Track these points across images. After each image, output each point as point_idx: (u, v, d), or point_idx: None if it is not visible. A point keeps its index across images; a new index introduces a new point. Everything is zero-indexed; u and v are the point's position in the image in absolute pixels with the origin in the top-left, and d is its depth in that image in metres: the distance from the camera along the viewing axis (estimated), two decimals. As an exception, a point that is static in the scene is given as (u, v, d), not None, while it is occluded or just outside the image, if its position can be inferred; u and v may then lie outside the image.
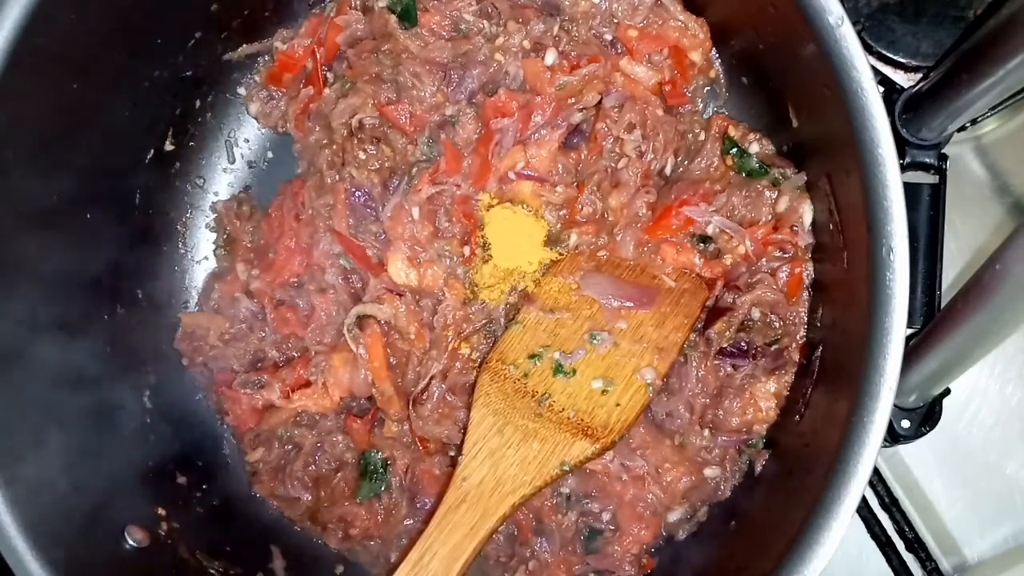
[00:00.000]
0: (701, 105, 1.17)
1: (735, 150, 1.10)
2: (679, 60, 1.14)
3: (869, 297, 0.86)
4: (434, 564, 0.96)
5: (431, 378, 1.12)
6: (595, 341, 1.09)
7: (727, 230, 1.09)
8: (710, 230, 1.10)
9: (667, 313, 1.10)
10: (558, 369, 1.08)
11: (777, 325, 1.08)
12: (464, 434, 1.07)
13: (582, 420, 1.04)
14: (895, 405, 0.87)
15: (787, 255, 1.07)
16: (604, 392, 1.06)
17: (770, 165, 1.08)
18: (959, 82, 1.04)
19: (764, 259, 1.08)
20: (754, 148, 1.10)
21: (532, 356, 1.09)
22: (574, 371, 1.08)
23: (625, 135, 1.13)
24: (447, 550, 0.97)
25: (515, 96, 1.12)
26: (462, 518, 0.99)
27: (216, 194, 1.28)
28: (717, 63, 1.17)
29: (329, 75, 1.18)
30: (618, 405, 1.05)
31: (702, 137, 1.14)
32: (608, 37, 1.16)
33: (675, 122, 1.15)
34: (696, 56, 1.14)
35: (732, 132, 1.11)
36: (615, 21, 1.15)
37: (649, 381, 1.06)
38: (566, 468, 1.02)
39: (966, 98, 1.04)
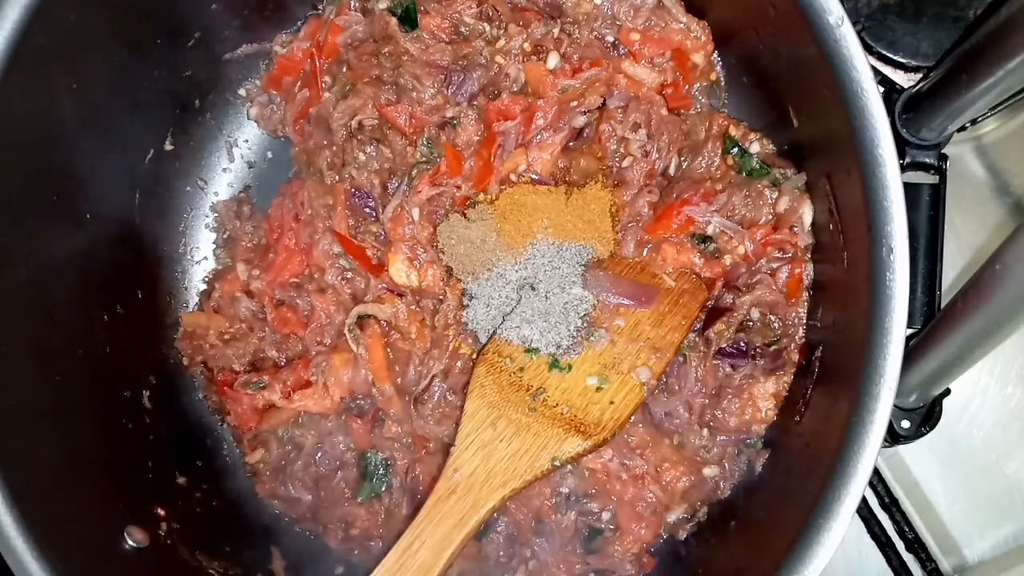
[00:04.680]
0: (702, 106, 1.17)
1: (736, 149, 1.10)
2: (681, 62, 1.14)
3: (869, 297, 0.86)
4: (422, 552, 0.96)
5: (432, 378, 1.12)
6: (592, 338, 1.09)
7: (727, 230, 1.09)
8: (710, 230, 1.10)
9: (665, 313, 1.10)
10: (554, 364, 1.08)
11: (776, 325, 1.08)
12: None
13: (575, 416, 1.04)
14: (895, 405, 0.87)
15: (787, 255, 1.07)
16: (598, 389, 1.06)
17: (771, 165, 1.08)
18: (959, 82, 1.04)
19: (764, 259, 1.08)
20: (755, 148, 1.10)
21: (529, 350, 1.09)
22: (569, 367, 1.07)
23: (630, 135, 1.13)
24: (436, 539, 0.97)
25: (518, 100, 1.12)
26: (452, 508, 0.99)
27: (216, 194, 1.28)
28: (718, 65, 1.17)
29: (328, 78, 1.18)
30: (612, 403, 1.05)
31: (703, 136, 1.14)
32: (610, 39, 1.16)
33: (679, 122, 1.15)
34: (698, 58, 1.14)
35: (733, 131, 1.11)
36: (617, 24, 1.15)
37: (644, 380, 1.06)
38: (557, 463, 1.02)
39: (966, 98, 1.04)
